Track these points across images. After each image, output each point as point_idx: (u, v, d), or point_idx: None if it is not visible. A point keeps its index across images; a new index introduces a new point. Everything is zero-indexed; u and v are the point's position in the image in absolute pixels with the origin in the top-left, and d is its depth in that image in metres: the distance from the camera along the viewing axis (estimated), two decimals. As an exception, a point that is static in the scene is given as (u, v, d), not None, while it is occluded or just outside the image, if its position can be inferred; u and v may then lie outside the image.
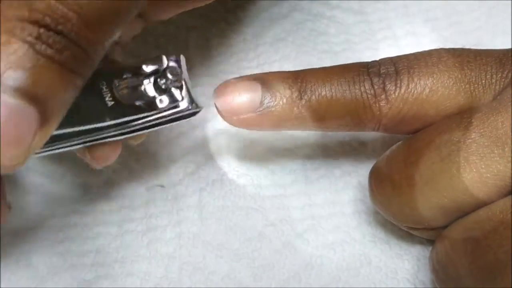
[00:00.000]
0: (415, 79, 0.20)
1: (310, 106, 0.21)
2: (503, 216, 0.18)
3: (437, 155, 0.19)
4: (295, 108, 0.21)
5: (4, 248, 0.23)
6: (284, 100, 0.21)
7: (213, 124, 0.26)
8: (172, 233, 0.23)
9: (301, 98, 0.21)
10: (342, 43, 0.28)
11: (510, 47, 0.27)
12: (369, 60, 0.27)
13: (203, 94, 0.27)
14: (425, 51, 0.21)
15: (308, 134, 0.25)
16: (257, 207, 0.24)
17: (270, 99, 0.21)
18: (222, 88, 0.21)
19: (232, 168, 0.25)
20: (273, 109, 0.21)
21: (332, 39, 0.28)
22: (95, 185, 0.24)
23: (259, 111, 0.21)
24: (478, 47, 0.27)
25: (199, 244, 0.23)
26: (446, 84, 0.20)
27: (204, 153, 0.25)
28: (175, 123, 0.21)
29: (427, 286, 0.21)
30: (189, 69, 0.28)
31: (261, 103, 0.21)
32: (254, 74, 0.22)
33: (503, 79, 0.20)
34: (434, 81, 0.20)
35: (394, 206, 0.20)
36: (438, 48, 0.21)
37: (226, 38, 0.29)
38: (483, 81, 0.20)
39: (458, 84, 0.20)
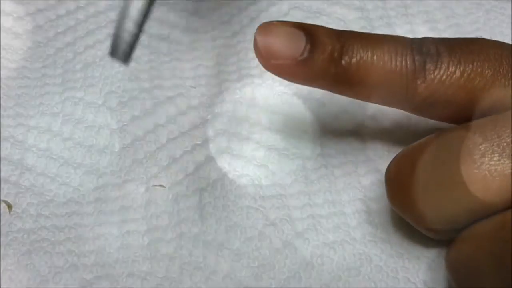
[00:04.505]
0: (455, 63, 0.20)
1: (348, 68, 0.20)
2: None
3: (472, 161, 0.19)
4: (332, 67, 0.20)
5: (4, 248, 0.23)
6: (325, 56, 0.20)
7: (213, 124, 0.26)
8: (172, 233, 0.23)
9: (341, 58, 0.20)
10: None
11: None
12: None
13: (203, 94, 0.27)
14: (468, 38, 0.21)
15: (308, 134, 0.25)
16: (257, 206, 0.24)
17: (311, 51, 0.20)
18: (266, 27, 0.20)
19: (232, 168, 0.25)
20: (311, 63, 0.20)
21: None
22: (95, 185, 0.24)
23: (297, 61, 0.20)
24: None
25: (200, 244, 0.23)
26: (484, 74, 0.20)
27: (204, 153, 0.25)
28: None
29: (428, 285, 0.21)
30: (192, 69, 0.28)
31: (302, 53, 0.20)
32: (300, 23, 0.21)
33: None
34: (474, 69, 0.20)
35: (417, 209, 0.20)
36: (481, 37, 0.21)
37: (226, 38, 0.29)
38: None
39: (495, 76, 0.20)
